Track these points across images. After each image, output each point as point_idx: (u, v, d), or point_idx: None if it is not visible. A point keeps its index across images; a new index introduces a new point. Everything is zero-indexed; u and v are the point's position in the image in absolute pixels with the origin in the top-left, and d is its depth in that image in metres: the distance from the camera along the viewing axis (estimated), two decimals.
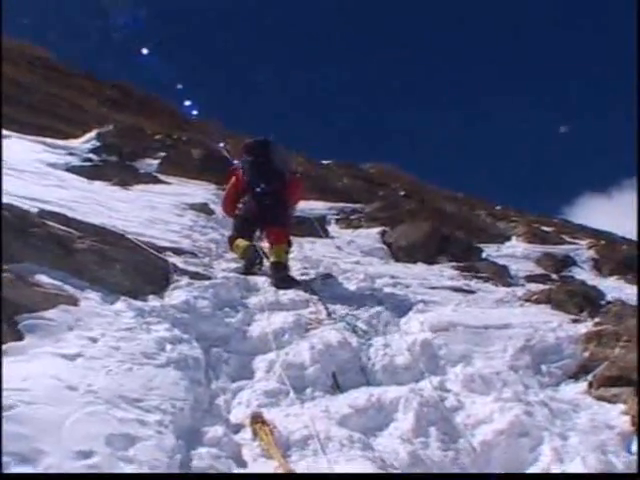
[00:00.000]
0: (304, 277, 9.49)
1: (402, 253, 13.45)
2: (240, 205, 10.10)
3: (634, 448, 5.52)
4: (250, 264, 9.38)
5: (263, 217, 9.76)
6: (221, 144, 21.06)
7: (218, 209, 12.90)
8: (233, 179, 10.45)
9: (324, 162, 31.01)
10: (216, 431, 4.78)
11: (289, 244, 9.88)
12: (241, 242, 9.60)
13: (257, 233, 10.21)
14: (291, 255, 10.35)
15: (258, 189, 9.76)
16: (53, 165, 15.07)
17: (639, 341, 7.11)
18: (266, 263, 9.56)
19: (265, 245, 10.08)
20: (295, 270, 9.88)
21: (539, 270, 15.08)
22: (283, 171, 10.05)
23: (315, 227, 13.59)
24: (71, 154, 17.84)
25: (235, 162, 11.12)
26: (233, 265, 9.51)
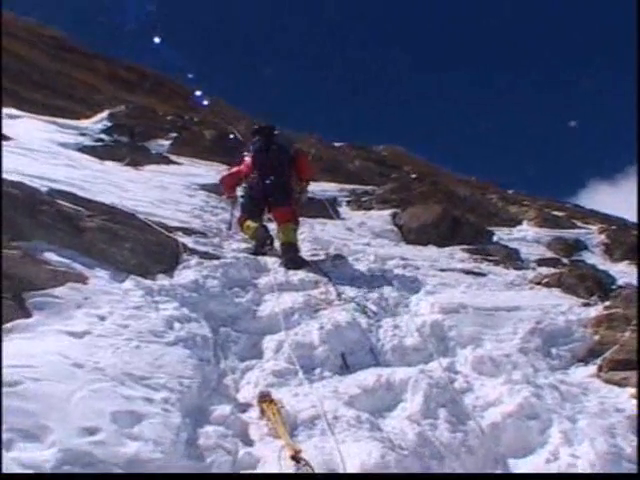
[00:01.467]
0: (314, 258, 9.46)
1: (413, 235, 13.40)
2: (245, 185, 10.40)
3: None
4: (261, 245, 9.46)
5: (268, 196, 9.90)
6: (205, 102, 21.06)
7: None
8: (243, 166, 10.56)
9: (336, 144, 30.92)
10: (223, 409, 4.78)
11: (296, 223, 9.93)
12: (251, 223, 9.72)
13: (265, 214, 10.23)
14: (302, 236, 10.53)
15: (264, 169, 9.95)
16: (64, 145, 15.06)
17: (639, 326, 7.10)
18: (276, 244, 9.59)
19: (273, 227, 10.09)
20: (305, 251, 9.89)
21: (550, 254, 14.99)
22: (288, 150, 10.28)
23: (326, 208, 13.57)
24: (82, 134, 17.84)
25: (245, 149, 11.23)
26: (243, 245, 9.51)
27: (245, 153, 10.88)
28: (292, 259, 9.06)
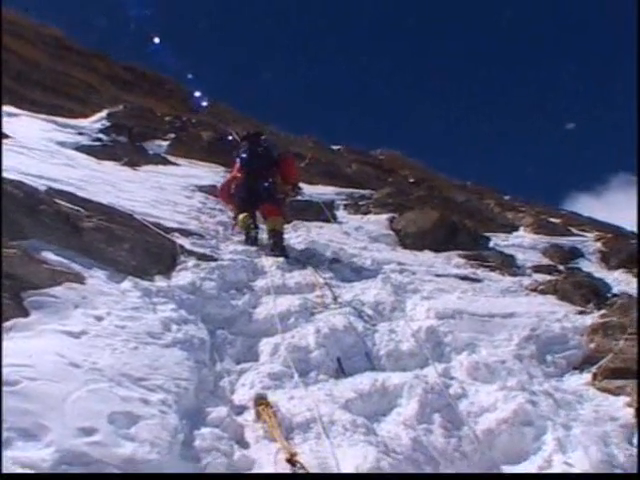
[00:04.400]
0: (311, 261, 9.45)
1: (410, 240, 13.40)
2: (234, 186, 11.15)
3: (636, 440, 5.52)
4: (246, 231, 10.31)
5: (257, 195, 10.68)
6: (204, 103, 21.10)
7: None
8: (233, 172, 11.52)
9: (334, 147, 30.93)
10: (219, 412, 4.81)
11: (283, 217, 10.80)
12: (241, 215, 10.57)
13: (256, 212, 10.84)
14: (298, 239, 10.92)
15: (251, 171, 10.88)
16: (63, 144, 15.04)
17: (639, 333, 7.12)
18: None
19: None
20: (303, 254, 9.89)
21: (546, 261, 15.00)
22: (273, 154, 11.25)
23: (323, 212, 13.59)
24: (81, 133, 17.81)
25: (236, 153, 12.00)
26: (240, 247, 9.55)
27: (235, 157, 11.63)
28: (276, 243, 9.98)
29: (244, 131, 12.75)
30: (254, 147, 11.22)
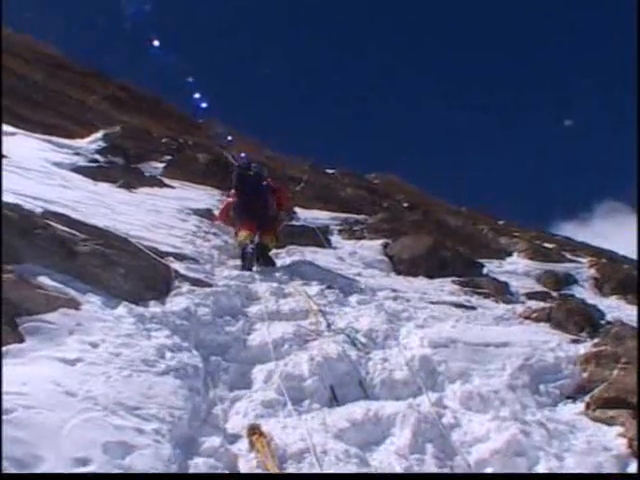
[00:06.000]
0: (305, 287, 9.46)
1: (404, 266, 13.45)
2: (233, 210, 12.16)
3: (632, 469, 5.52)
4: (244, 249, 10.92)
5: (254, 215, 11.56)
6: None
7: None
8: (230, 199, 12.57)
9: (329, 171, 31.02)
10: (213, 441, 4.80)
11: (274, 234, 11.82)
12: (242, 233, 11.33)
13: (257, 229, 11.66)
14: (294, 265, 11.22)
15: (244, 194, 11.82)
16: (58, 164, 15.06)
17: (639, 361, 7.12)
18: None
19: None
20: (296, 280, 9.90)
21: (539, 287, 15.03)
22: (263, 175, 12.27)
23: (318, 237, 13.62)
24: (77, 154, 17.82)
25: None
26: (235, 272, 9.60)
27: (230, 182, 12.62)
28: (262, 255, 11.06)
29: (239, 154, 14.24)
30: (245, 172, 12.11)
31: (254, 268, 10.49)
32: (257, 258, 10.94)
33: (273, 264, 11.17)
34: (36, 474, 3.39)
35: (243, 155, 14.22)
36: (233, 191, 12.36)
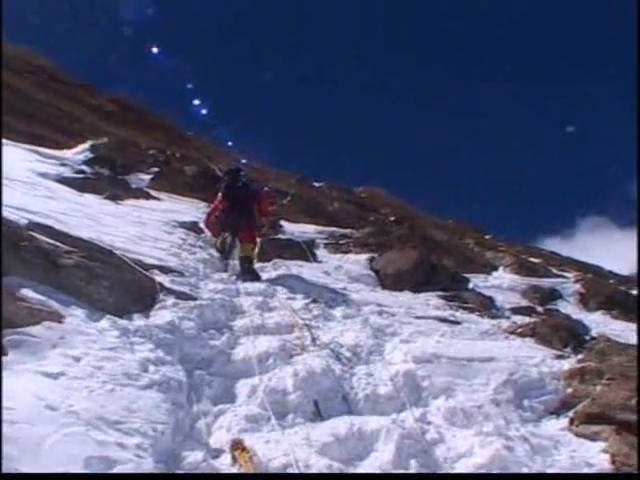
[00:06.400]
0: (290, 301, 9.45)
1: (389, 281, 13.45)
2: (217, 215, 12.59)
3: None
4: (222, 247, 12.07)
5: (237, 222, 12.06)
6: (214, 168, 21.34)
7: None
8: (217, 202, 12.76)
9: (316, 184, 31.06)
10: (196, 456, 4.78)
11: (255, 243, 12.31)
12: (222, 236, 12.26)
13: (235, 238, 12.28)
14: (279, 279, 11.15)
15: (231, 201, 12.20)
16: (44, 175, 15.02)
17: (639, 369, 7.16)
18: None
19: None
20: (281, 294, 9.89)
21: (525, 302, 15.05)
22: (250, 187, 12.66)
23: (304, 251, 13.66)
24: (63, 164, 17.78)
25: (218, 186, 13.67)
26: (220, 286, 9.57)
27: (218, 189, 12.95)
28: (246, 269, 11.35)
29: (227, 167, 14.64)
30: (234, 180, 12.47)
31: (239, 282, 10.58)
32: (242, 273, 11.28)
33: (258, 278, 11.27)
34: (36, 474, 3.39)
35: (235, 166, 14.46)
36: (220, 196, 12.60)
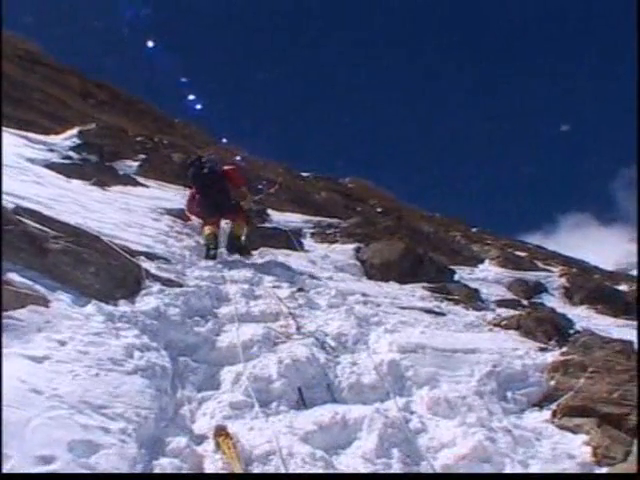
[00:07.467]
0: (276, 289, 9.46)
1: (375, 271, 13.48)
2: (195, 202, 12.84)
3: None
4: (207, 246, 11.42)
5: (218, 206, 12.22)
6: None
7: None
8: (192, 192, 13.19)
9: (303, 174, 31.04)
10: (179, 442, 4.77)
11: (244, 221, 12.42)
12: (207, 229, 11.92)
13: (221, 220, 12.49)
14: (265, 267, 11.14)
15: (202, 189, 12.49)
16: (32, 160, 14.97)
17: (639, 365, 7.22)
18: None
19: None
20: (267, 282, 9.91)
21: (510, 295, 15.15)
22: (216, 170, 12.61)
23: (290, 240, 13.66)
24: (51, 150, 17.73)
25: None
26: (206, 273, 9.56)
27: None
28: (232, 244, 11.85)
29: (210, 154, 14.90)
30: (199, 169, 12.59)
31: (229, 258, 11.38)
32: (226, 247, 11.88)
33: (249, 253, 12.01)
34: (36, 474, 3.39)
35: (213, 155, 14.65)
36: (195, 184, 12.84)
